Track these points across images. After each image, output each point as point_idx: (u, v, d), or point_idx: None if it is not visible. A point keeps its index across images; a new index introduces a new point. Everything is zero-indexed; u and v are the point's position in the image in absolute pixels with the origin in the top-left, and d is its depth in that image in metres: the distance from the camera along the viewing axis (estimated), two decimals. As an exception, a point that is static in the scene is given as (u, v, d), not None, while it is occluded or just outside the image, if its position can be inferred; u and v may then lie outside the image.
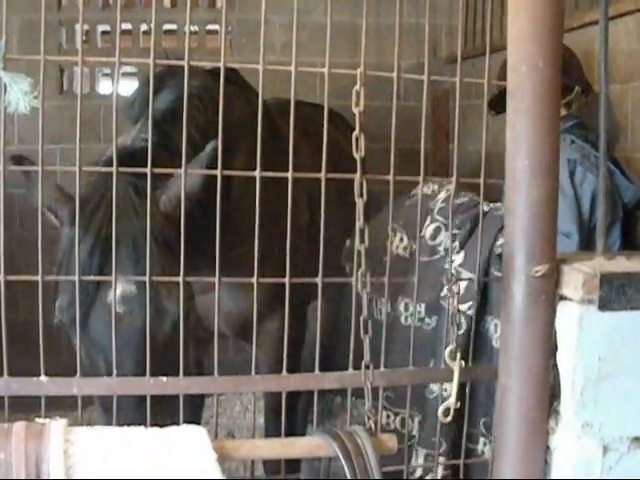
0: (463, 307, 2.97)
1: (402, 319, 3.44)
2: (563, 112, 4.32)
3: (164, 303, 2.63)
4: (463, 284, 2.84)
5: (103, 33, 6.81)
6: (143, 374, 2.34)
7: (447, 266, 3.25)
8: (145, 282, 2.34)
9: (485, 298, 3.08)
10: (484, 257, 3.01)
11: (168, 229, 2.66)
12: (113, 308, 2.39)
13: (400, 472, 2.54)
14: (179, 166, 2.35)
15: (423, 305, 3.35)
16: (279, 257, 2.41)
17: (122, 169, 2.30)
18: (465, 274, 3.05)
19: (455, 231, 3.26)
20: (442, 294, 3.26)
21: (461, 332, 2.96)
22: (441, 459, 3.00)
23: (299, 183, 2.38)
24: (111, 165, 2.27)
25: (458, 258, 3.23)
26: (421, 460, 3.24)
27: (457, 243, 3.28)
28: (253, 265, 2.36)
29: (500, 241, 3.02)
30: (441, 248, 3.40)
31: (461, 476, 2.67)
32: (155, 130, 2.91)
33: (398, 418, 3.37)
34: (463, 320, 2.92)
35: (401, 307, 3.40)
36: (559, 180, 3.99)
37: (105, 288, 2.60)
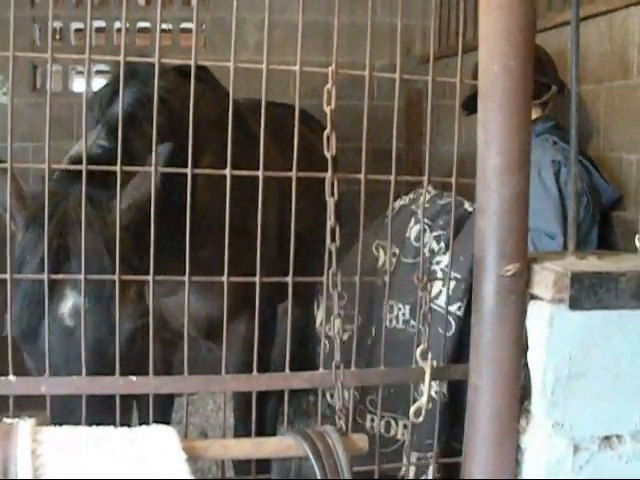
0: (452, 308, 2.97)
1: (386, 321, 3.44)
2: (540, 113, 4.34)
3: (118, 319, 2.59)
4: (452, 284, 2.84)
5: (77, 31, 6.77)
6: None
7: (434, 267, 3.27)
8: (98, 295, 2.32)
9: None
10: (470, 257, 3.02)
11: (124, 240, 2.56)
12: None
13: (371, 472, 2.54)
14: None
15: (407, 307, 3.34)
16: (247, 258, 2.39)
17: (90, 167, 2.28)
18: (452, 274, 3.05)
19: (440, 232, 3.27)
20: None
21: (450, 333, 2.96)
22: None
23: (269, 183, 2.36)
24: (62, 174, 2.24)
25: (444, 259, 3.22)
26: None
27: (442, 244, 3.27)
28: (219, 267, 2.34)
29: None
30: (426, 249, 3.39)
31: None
32: (112, 135, 2.88)
33: (383, 421, 3.37)
34: (452, 321, 2.92)
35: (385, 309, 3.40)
36: (544, 181, 4.03)
37: (56, 301, 2.56)
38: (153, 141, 2.29)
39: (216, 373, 2.40)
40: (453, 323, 2.90)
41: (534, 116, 4.13)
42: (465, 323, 2.77)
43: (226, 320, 2.45)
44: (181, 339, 2.40)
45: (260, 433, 2.56)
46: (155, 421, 2.23)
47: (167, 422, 3.69)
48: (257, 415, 2.51)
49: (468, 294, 2.87)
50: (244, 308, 2.40)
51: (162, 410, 3.86)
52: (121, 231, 2.42)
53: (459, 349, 2.57)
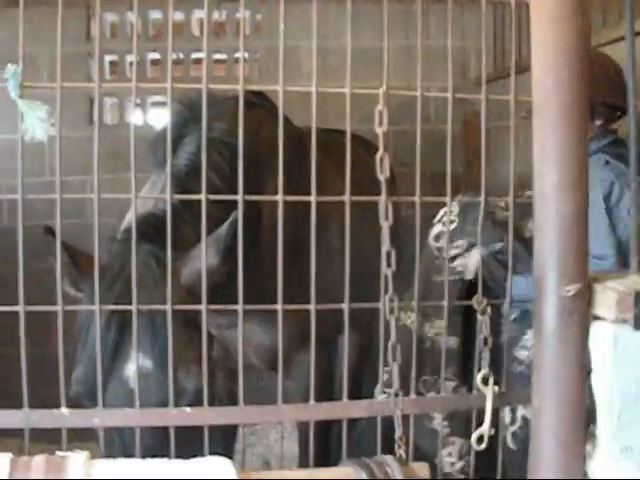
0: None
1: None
2: (595, 130, 4.24)
3: (182, 382, 2.55)
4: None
5: (132, 64, 6.82)
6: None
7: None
8: (163, 359, 2.31)
9: None
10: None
11: (189, 302, 2.52)
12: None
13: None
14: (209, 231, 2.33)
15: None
16: (315, 286, 2.35)
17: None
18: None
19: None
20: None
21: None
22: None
23: (332, 211, 2.33)
24: (127, 234, 2.24)
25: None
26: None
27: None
28: (286, 297, 2.31)
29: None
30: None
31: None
32: (176, 190, 2.87)
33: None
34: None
35: (426, 326, 3.38)
36: (592, 201, 3.92)
37: (122, 362, 2.56)
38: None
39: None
40: None
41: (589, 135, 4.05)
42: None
43: (290, 350, 2.43)
44: (244, 370, 2.36)
45: (325, 463, 2.51)
46: (216, 452, 2.20)
47: (230, 453, 3.67)
48: (322, 444, 2.48)
49: None
50: (308, 338, 2.36)
51: (225, 441, 3.84)
52: (187, 293, 2.41)
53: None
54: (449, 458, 3.48)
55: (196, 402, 2.46)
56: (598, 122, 3.97)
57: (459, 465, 3.71)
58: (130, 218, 2.96)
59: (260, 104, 3.78)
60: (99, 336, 2.29)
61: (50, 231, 2.47)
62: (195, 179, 2.94)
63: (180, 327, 2.52)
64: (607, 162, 3.99)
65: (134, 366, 2.46)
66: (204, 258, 2.34)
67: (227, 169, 3.23)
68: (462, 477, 2.90)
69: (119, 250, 2.73)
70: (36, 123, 2.11)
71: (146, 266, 2.65)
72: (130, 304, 2.26)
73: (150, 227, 2.79)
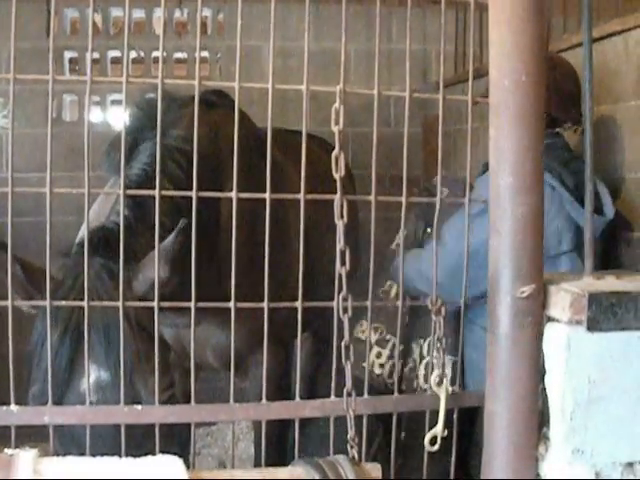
0: None
1: None
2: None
3: (141, 394, 2.56)
4: None
5: (93, 61, 6.76)
6: None
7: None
8: (116, 370, 2.30)
9: None
10: None
11: (144, 313, 2.55)
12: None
13: None
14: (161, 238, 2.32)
15: None
16: (272, 286, 2.34)
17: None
18: None
19: None
20: None
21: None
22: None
23: (291, 209, 2.32)
24: (81, 247, 2.22)
25: None
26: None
27: None
28: (245, 298, 2.29)
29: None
30: None
31: None
32: (130, 200, 2.85)
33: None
34: None
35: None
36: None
37: (78, 376, 2.54)
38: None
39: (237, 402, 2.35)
40: None
41: None
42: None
43: (246, 351, 2.41)
44: (201, 370, 2.35)
45: (282, 463, 2.49)
46: (170, 452, 2.18)
47: (184, 454, 3.65)
48: (277, 445, 2.46)
49: None
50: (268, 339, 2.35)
51: (179, 441, 3.82)
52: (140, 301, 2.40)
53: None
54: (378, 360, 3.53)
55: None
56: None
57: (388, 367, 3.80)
58: (83, 232, 2.95)
59: (220, 103, 3.77)
60: (52, 340, 2.29)
61: (2, 246, 2.44)
62: (148, 189, 2.91)
63: (135, 337, 2.51)
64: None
65: (92, 379, 2.46)
66: (157, 263, 2.33)
67: (183, 177, 3.20)
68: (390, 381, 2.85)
69: (72, 264, 2.70)
70: (-9, 116, 2.09)
71: (98, 278, 2.63)
72: (84, 316, 2.24)
73: (101, 240, 2.78)
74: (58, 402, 2.44)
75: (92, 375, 2.50)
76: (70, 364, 2.51)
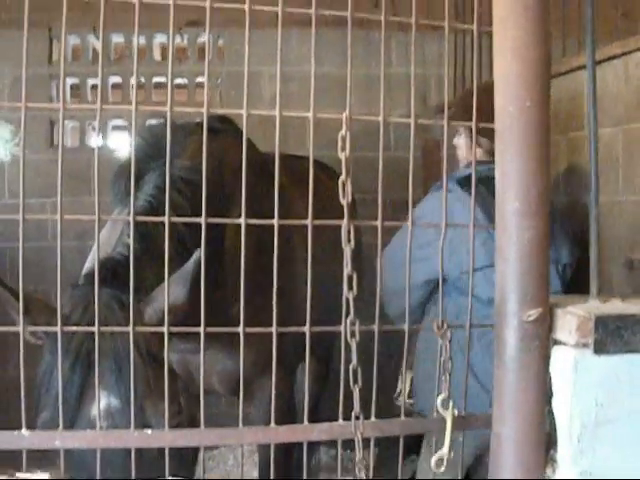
0: None
1: None
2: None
3: (150, 419, 2.55)
4: None
5: (93, 87, 6.80)
6: None
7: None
8: (129, 396, 2.30)
9: None
10: None
11: (154, 341, 2.57)
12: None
13: None
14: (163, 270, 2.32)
15: None
16: (279, 311, 2.34)
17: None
18: None
19: None
20: None
21: None
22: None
23: (295, 235, 2.33)
24: (89, 279, 2.22)
25: None
26: None
27: None
28: (251, 323, 2.30)
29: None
30: None
31: None
32: (135, 232, 2.86)
33: None
34: None
35: None
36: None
37: (88, 403, 2.54)
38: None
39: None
40: None
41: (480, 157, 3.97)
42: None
43: (254, 377, 2.42)
44: (207, 395, 2.35)
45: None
46: (178, 475, 2.19)
47: (190, 477, 3.66)
48: (282, 468, 2.46)
49: None
50: (271, 364, 2.36)
51: (184, 465, 3.83)
52: (152, 332, 2.41)
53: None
54: None
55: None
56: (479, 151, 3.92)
57: None
58: (91, 264, 2.96)
59: (223, 129, 3.78)
60: (63, 368, 2.30)
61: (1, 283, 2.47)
62: (154, 223, 2.91)
63: (146, 364, 2.52)
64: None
65: (102, 405, 2.47)
66: (167, 288, 2.35)
67: (187, 207, 3.21)
68: None
69: (80, 295, 2.71)
70: (0, 143, 2.10)
71: (109, 309, 2.64)
72: (94, 348, 2.26)
73: (109, 272, 2.78)
74: (69, 427, 2.45)
75: (102, 401, 2.50)
76: (81, 391, 2.52)
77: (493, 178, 3.56)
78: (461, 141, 4.14)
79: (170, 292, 2.52)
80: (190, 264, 2.63)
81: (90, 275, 2.61)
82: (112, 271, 2.77)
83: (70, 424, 2.47)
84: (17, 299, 2.44)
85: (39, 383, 2.62)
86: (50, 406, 2.51)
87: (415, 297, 3.60)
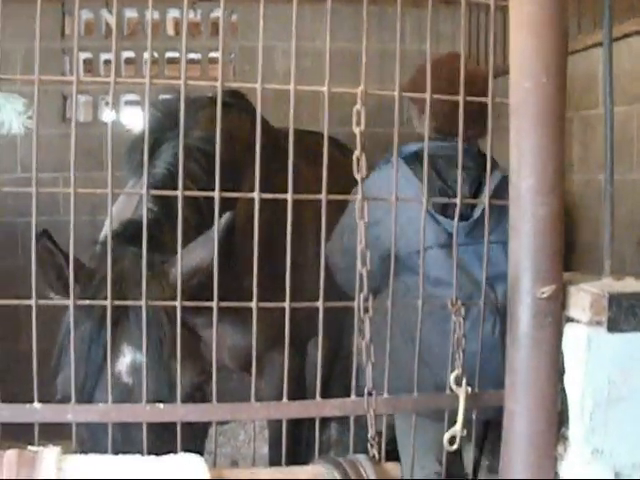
0: None
1: None
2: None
3: (175, 378, 2.46)
4: None
5: (106, 62, 6.79)
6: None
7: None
8: (155, 354, 2.33)
9: None
10: None
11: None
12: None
13: None
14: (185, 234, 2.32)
15: None
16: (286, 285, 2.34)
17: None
18: None
19: None
20: None
21: None
22: None
23: (306, 211, 2.32)
24: (114, 239, 2.25)
25: None
26: None
27: None
28: (262, 298, 2.30)
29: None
30: None
31: None
32: (154, 199, 2.86)
33: None
34: None
35: None
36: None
37: (113, 359, 2.49)
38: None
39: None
40: None
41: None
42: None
43: (264, 351, 2.42)
44: (218, 370, 2.35)
45: (296, 462, 2.50)
46: (189, 450, 2.19)
47: (201, 452, 3.67)
48: (293, 444, 2.47)
49: None
50: (282, 339, 2.35)
51: (195, 439, 3.85)
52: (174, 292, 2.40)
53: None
54: None
55: (189, 398, 2.49)
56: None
57: None
58: (108, 224, 2.96)
59: (236, 104, 3.78)
60: (89, 327, 2.32)
61: (46, 234, 2.45)
62: (173, 188, 2.91)
63: (172, 324, 2.51)
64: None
65: (128, 360, 2.48)
66: (179, 263, 2.35)
67: (204, 177, 3.22)
68: None
69: (104, 252, 2.69)
70: (13, 116, 2.10)
71: (136, 266, 2.62)
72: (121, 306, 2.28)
73: (132, 232, 2.77)
74: (92, 389, 2.48)
75: (128, 357, 2.54)
76: (106, 349, 2.49)
77: (440, 157, 3.56)
78: (413, 113, 4.06)
79: (195, 255, 2.53)
80: (221, 224, 2.60)
81: (113, 235, 2.59)
82: (135, 232, 2.75)
83: (95, 382, 2.48)
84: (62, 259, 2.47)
85: (61, 340, 2.62)
86: (72, 364, 2.48)
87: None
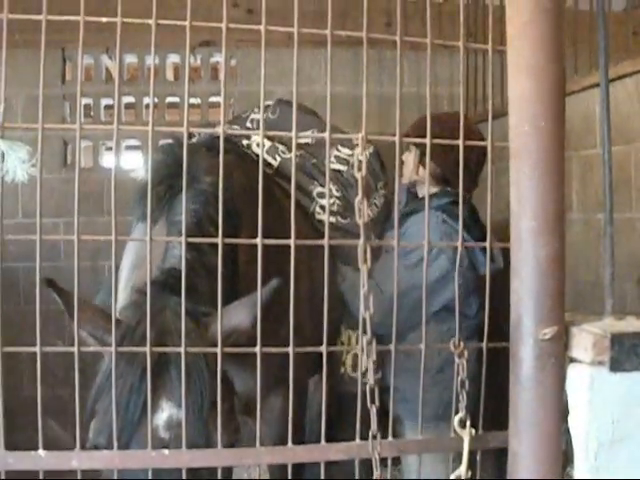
0: None
1: None
2: (435, 189, 4.15)
3: (213, 437, 2.45)
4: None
5: (107, 107, 6.83)
6: None
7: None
8: (193, 410, 2.37)
9: None
10: None
11: (212, 356, 2.47)
12: None
13: None
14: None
15: None
16: (288, 331, 2.34)
17: None
18: None
19: None
20: None
21: None
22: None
23: (300, 254, 2.33)
24: (154, 287, 2.27)
25: None
26: None
27: None
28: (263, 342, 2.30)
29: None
30: None
31: None
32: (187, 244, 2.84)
33: None
34: None
35: None
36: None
37: (151, 412, 2.46)
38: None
39: (251, 447, 2.36)
40: None
41: (433, 191, 4.09)
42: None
43: (263, 394, 2.41)
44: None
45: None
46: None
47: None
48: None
49: None
50: (281, 382, 2.35)
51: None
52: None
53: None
54: None
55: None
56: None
57: None
58: (138, 274, 2.97)
59: (230, 149, 3.80)
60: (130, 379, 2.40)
61: (50, 284, 2.43)
62: (200, 233, 2.92)
63: (212, 379, 2.49)
64: (444, 221, 4.00)
65: (165, 415, 2.47)
66: (219, 315, 2.34)
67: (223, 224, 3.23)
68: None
69: (144, 301, 2.66)
70: (17, 164, 2.10)
71: (177, 316, 2.57)
72: (160, 358, 2.28)
73: (174, 281, 2.73)
74: (126, 440, 2.45)
75: (166, 412, 2.51)
76: (144, 401, 2.47)
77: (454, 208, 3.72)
78: (410, 158, 4.17)
79: (235, 315, 2.53)
80: (265, 292, 2.52)
81: (152, 283, 2.56)
82: (175, 281, 2.71)
83: (130, 433, 2.46)
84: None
85: (98, 388, 2.59)
86: (108, 412, 2.42)
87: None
